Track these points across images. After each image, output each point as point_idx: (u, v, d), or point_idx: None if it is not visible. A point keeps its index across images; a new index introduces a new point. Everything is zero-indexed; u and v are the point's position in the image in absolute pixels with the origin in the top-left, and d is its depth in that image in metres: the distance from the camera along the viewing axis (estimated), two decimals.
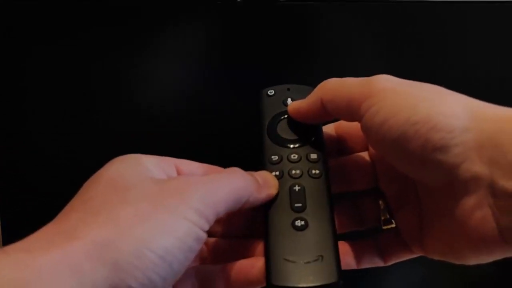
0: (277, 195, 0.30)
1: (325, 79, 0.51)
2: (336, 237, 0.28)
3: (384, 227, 0.31)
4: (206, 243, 0.31)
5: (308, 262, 0.27)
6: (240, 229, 0.32)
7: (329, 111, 0.30)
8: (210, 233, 0.26)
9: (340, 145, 0.34)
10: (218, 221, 0.27)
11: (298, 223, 0.28)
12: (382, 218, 0.31)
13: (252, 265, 0.29)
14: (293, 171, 0.30)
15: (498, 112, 0.25)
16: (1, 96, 0.50)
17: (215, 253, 0.31)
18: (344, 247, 0.30)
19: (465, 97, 0.26)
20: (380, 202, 0.31)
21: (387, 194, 0.32)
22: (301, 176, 0.30)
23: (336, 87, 0.30)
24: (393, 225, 0.31)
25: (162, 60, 0.50)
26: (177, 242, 0.23)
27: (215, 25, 0.49)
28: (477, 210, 0.25)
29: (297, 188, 0.29)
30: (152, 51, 0.49)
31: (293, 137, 0.32)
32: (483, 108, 0.25)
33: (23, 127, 0.51)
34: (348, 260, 0.30)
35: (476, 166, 0.24)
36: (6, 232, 0.52)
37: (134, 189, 0.24)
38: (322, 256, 0.27)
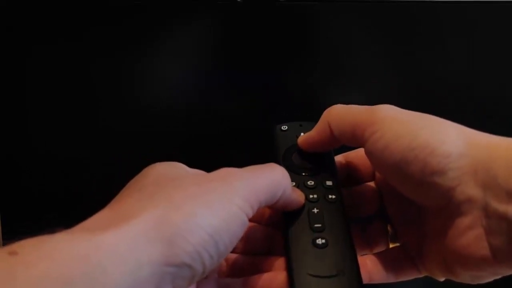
0: (296, 216, 0.31)
1: (325, 79, 0.51)
2: (356, 254, 0.30)
3: (391, 246, 0.33)
4: (225, 259, 0.32)
5: (331, 276, 0.28)
6: (259, 246, 0.33)
7: (336, 136, 0.32)
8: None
9: (350, 175, 0.35)
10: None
11: (319, 241, 0.29)
12: (390, 241, 0.33)
13: (274, 277, 0.30)
14: (311, 196, 0.32)
15: (490, 140, 0.27)
16: (1, 95, 0.50)
17: (234, 267, 0.32)
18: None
19: (460, 126, 0.28)
20: (389, 227, 0.34)
21: (393, 218, 0.33)
22: (318, 200, 0.32)
23: (341, 113, 0.32)
24: (397, 244, 0.33)
25: (162, 59, 0.50)
26: (223, 223, 0.24)
27: (215, 25, 0.49)
28: (471, 230, 0.26)
29: (315, 210, 0.31)
30: (152, 51, 0.49)
31: (308, 166, 0.34)
32: (476, 136, 0.27)
33: (23, 127, 0.51)
34: (362, 274, 0.31)
35: (470, 189, 0.26)
36: (6, 232, 0.52)
37: (182, 178, 0.26)
38: (343, 271, 0.28)
